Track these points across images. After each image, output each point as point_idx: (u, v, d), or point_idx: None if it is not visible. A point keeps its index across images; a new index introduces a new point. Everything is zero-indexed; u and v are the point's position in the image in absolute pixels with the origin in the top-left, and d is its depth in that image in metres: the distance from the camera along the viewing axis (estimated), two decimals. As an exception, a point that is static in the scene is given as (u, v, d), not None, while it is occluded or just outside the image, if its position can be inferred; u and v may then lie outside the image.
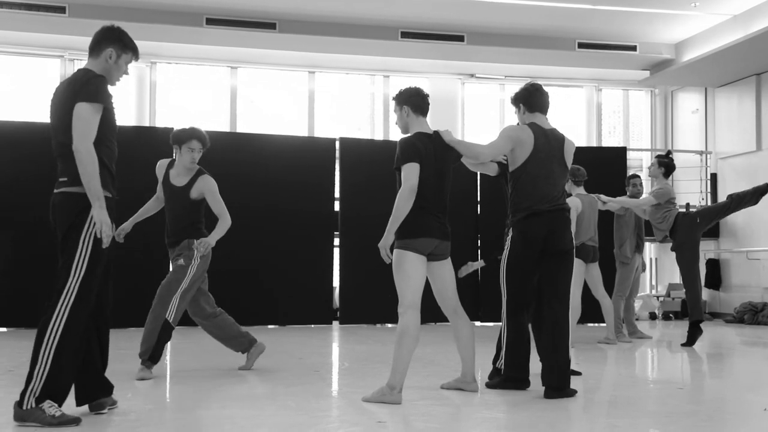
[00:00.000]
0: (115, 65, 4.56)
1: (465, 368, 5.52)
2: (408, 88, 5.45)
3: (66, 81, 4.52)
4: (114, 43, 4.52)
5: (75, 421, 4.26)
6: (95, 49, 4.52)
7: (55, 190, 4.44)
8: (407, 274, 5.10)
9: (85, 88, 4.34)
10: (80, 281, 4.32)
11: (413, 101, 5.36)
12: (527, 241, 5.47)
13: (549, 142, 5.54)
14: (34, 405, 4.20)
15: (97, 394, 4.62)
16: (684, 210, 9.19)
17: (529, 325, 5.72)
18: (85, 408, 4.63)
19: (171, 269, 6.42)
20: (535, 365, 5.63)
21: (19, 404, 4.23)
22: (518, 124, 5.77)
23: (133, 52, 4.62)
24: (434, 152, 5.23)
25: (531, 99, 5.68)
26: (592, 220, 9.10)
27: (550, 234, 5.45)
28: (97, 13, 12.60)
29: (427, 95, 5.47)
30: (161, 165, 6.53)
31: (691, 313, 9.16)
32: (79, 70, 4.50)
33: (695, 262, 9.21)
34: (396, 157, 5.18)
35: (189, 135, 6.36)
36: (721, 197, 14.67)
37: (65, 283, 4.30)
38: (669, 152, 9.95)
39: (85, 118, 4.29)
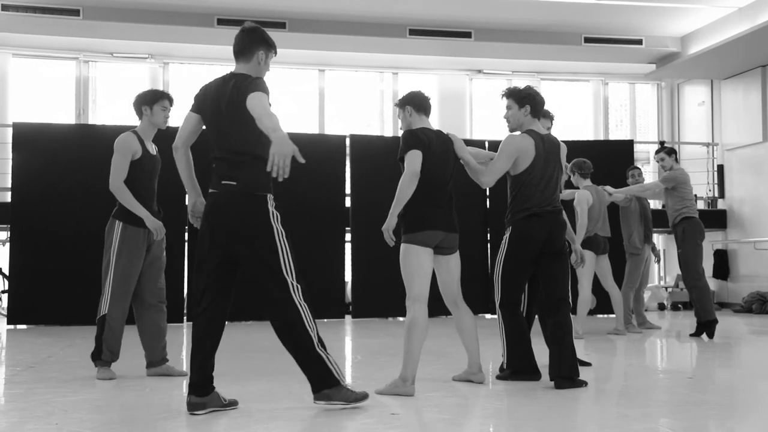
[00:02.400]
0: (264, 66, 4.63)
1: (470, 359, 5.61)
2: (409, 92, 5.56)
3: (224, 85, 4.50)
4: (262, 45, 4.59)
5: (364, 396, 4.67)
6: (245, 52, 4.58)
7: (222, 192, 4.51)
8: (413, 268, 5.22)
9: (254, 83, 4.38)
10: (296, 274, 4.54)
11: (415, 101, 5.49)
12: (527, 241, 5.60)
13: (546, 147, 5.67)
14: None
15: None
16: (694, 217, 9.17)
17: (528, 317, 5.93)
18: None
19: (159, 253, 6.14)
20: (544, 357, 5.74)
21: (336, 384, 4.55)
22: (509, 122, 5.84)
23: (274, 50, 4.68)
24: (437, 145, 5.36)
25: (537, 105, 5.74)
26: (602, 212, 9.20)
27: (549, 236, 5.59)
28: (111, 15, 12.76)
29: (428, 97, 5.58)
30: (132, 139, 5.96)
31: (700, 313, 9.04)
32: (235, 75, 4.53)
33: (696, 262, 9.15)
34: (399, 149, 5.33)
35: (160, 93, 6.07)
36: (728, 188, 14.74)
37: (290, 283, 4.50)
38: (663, 142, 10.07)
39: (265, 101, 4.31)
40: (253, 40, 4.58)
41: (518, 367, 5.73)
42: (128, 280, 5.93)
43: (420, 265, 5.22)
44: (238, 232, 4.48)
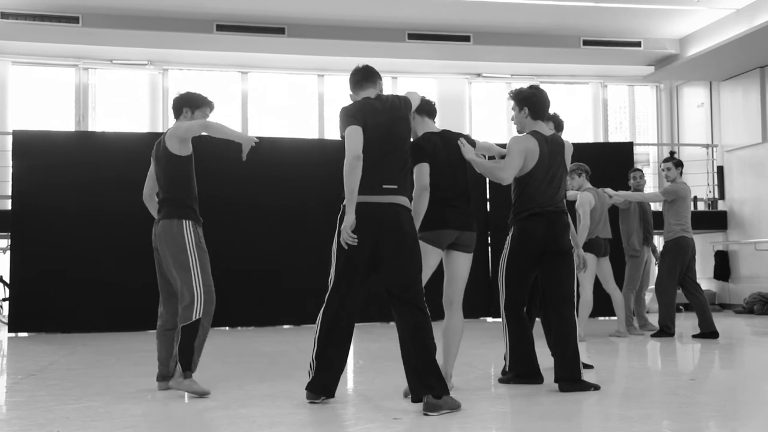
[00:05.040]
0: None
1: (443, 364, 5.50)
2: None
3: (393, 106, 5.10)
4: (379, 76, 5.30)
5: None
6: (369, 80, 5.23)
7: (389, 202, 4.91)
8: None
9: (406, 99, 5.25)
10: None
11: (418, 105, 5.51)
12: (527, 240, 5.60)
13: (551, 148, 5.66)
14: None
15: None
16: (684, 236, 9.28)
17: (528, 320, 5.91)
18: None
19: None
20: (546, 360, 5.74)
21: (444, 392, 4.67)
22: (515, 124, 5.84)
23: None
24: (443, 147, 5.40)
25: (536, 106, 5.71)
26: (603, 214, 9.23)
27: (550, 234, 5.58)
28: (110, 22, 12.79)
29: (432, 101, 5.62)
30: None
31: (661, 317, 9.36)
32: (382, 95, 5.18)
33: (668, 281, 9.35)
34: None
35: (205, 100, 5.90)
36: (728, 190, 14.76)
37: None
38: (673, 152, 10.12)
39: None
40: (373, 72, 5.24)
41: (521, 370, 5.73)
42: (210, 279, 5.62)
43: (426, 263, 5.23)
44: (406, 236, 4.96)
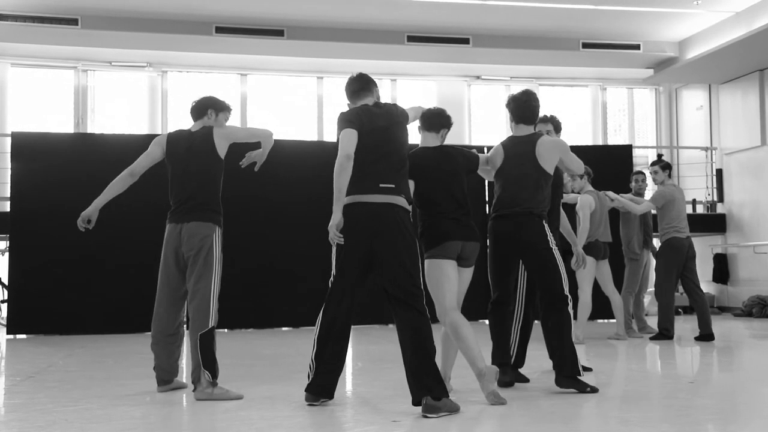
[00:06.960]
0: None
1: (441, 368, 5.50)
2: None
3: (390, 112, 5.17)
4: (375, 84, 5.36)
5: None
6: (366, 90, 5.28)
7: (386, 202, 4.94)
8: (442, 281, 5.24)
9: (404, 110, 5.33)
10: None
11: (422, 118, 5.55)
12: (495, 241, 5.76)
13: (517, 147, 5.69)
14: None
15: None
16: (677, 237, 9.28)
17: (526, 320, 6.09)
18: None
19: None
20: (545, 363, 5.74)
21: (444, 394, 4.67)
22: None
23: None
24: (436, 164, 5.39)
25: (515, 112, 5.78)
26: (604, 217, 9.22)
27: (516, 237, 5.62)
28: (109, 25, 12.80)
29: (438, 112, 5.56)
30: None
31: (660, 319, 9.36)
32: (380, 103, 5.25)
33: (665, 284, 9.36)
34: None
35: (227, 105, 5.97)
36: (727, 192, 14.76)
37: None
38: (660, 155, 10.12)
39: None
40: (368, 80, 5.31)
41: (498, 360, 5.77)
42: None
43: (447, 276, 5.26)
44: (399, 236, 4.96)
